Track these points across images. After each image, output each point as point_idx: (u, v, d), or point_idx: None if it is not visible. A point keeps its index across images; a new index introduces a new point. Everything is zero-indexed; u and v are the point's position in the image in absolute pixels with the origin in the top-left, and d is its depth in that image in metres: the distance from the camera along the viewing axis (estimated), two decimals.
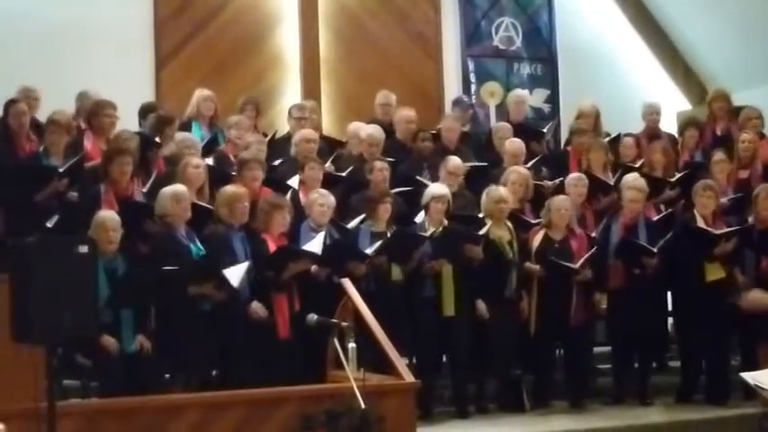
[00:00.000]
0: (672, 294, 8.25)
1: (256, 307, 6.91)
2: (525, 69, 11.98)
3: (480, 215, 7.84)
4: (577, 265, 7.64)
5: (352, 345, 5.69)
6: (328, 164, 8.38)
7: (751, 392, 6.89)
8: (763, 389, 5.84)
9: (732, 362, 8.11)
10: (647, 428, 7.38)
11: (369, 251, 7.29)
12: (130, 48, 10.32)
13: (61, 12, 10.00)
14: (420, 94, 11.09)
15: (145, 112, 8.81)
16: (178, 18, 10.67)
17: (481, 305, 7.56)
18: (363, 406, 5.30)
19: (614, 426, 7.28)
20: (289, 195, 7.69)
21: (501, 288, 7.60)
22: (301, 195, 7.76)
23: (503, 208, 7.74)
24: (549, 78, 12.03)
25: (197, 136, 8.43)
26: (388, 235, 7.46)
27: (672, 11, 12.27)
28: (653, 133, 9.66)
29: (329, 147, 8.98)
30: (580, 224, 8.09)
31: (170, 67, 10.57)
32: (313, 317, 5.89)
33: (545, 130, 9.80)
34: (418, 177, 8.43)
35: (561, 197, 7.99)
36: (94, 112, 7.97)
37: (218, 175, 7.67)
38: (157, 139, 8.04)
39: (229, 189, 7.17)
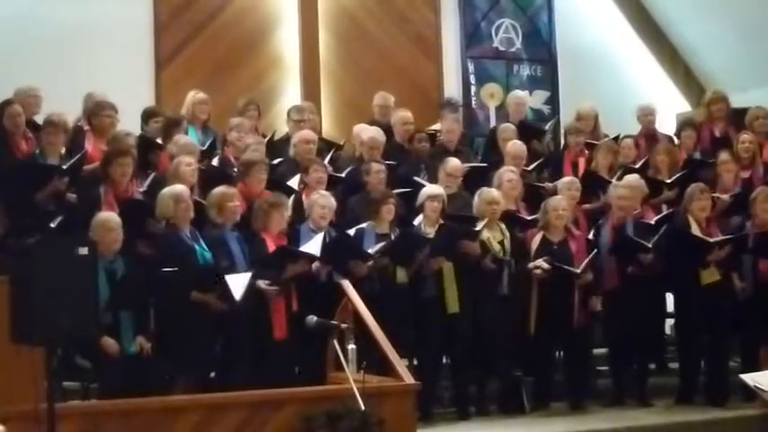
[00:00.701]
0: (673, 296, 8.24)
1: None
2: (525, 71, 11.97)
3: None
4: (579, 270, 7.63)
5: (351, 346, 5.69)
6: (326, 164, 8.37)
7: (751, 394, 6.90)
8: (762, 390, 5.85)
9: (732, 363, 8.11)
10: (647, 430, 7.37)
11: (371, 251, 7.28)
12: (131, 49, 10.31)
13: (62, 14, 9.99)
14: (420, 96, 11.09)
15: (147, 116, 8.81)
16: (178, 20, 10.67)
17: None
18: (363, 408, 5.31)
19: (614, 427, 7.26)
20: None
21: (494, 286, 7.58)
22: (303, 197, 7.75)
23: (495, 209, 7.73)
24: (548, 80, 12.01)
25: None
26: (392, 237, 7.45)
27: (672, 13, 12.26)
28: (649, 134, 9.67)
29: (327, 148, 8.98)
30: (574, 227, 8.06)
31: (170, 68, 10.56)
32: (312, 318, 5.89)
33: (546, 128, 9.79)
34: (415, 178, 8.42)
35: (557, 197, 7.97)
36: (94, 113, 7.99)
37: (219, 177, 7.65)
38: (159, 141, 8.03)
39: (218, 190, 7.11)
